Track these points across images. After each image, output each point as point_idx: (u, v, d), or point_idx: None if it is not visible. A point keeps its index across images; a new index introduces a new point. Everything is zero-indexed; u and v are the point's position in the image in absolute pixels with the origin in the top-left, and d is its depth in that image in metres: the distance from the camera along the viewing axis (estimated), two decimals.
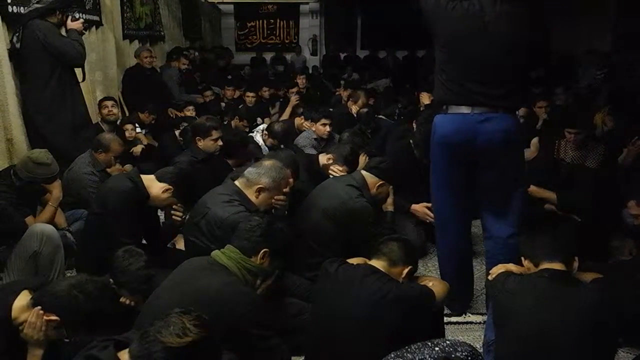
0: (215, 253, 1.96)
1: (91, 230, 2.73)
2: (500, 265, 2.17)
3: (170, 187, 2.63)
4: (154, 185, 2.64)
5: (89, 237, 2.74)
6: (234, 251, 1.93)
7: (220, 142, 3.67)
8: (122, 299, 2.16)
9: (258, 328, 1.84)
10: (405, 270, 2.02)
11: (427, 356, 1.18)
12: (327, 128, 4.28)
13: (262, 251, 1.94)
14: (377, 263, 2.00)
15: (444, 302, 2.57)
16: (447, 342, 1.23)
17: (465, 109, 2.41)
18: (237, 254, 1.92)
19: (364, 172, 2.84)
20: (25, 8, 3.55)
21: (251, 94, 6.46)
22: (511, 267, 2.11)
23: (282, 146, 3.98)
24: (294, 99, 5.95)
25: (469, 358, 1.18)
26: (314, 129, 4.38)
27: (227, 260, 1.91)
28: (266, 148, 4.23)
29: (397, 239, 2.13)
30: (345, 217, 2.65)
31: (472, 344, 1.50)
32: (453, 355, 1.17)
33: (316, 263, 2.54)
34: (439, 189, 2.61)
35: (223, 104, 6.43)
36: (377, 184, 2.79)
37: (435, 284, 2.09)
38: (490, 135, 2.38)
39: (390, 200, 3.01)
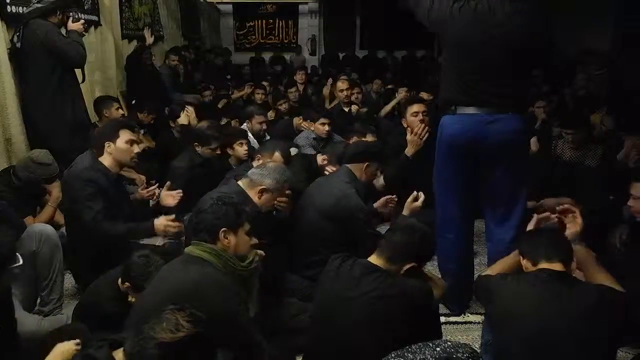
0: (189, 248, 1.91)
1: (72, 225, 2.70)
2: None
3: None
4: (109, 150, 2.64)
5: (71, 233, 2.72)
6: (200, 244, 1.88)
7: (218, 152, 3.68)
8: (130, 298, 2.15)
9: (239, 320, 1.79)
10: (406, 267, 1.99)
11: (429, 356, 1.18)
12: (326, 127, 4.28)
13: (221, 232, 1.87)
14: (378, 260, 1.97)
15: (444, 303, 2.57)
16: (449, 342, 1.23)
17: (473, 110, 2.40)
18: (205, 245, 1.87)
19: (346, 166, 2.85)
20: (25, 8, 3.54)
21: (261, 91, 6.33)
22: None
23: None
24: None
25: (470, 359, 1.18)
26: (312, 128, 4.38)
27: (201, 252, 1.86)
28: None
29: (401, 229, 2.05)
30: (340, 214, 2.66)
31: (470, 344, 1.51)
32: (454, 356, 1.18)
33: (315, 262, 2.56)
34: (444, 189, 2.61)
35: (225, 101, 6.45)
36: (363, 168, 2.80)
37: (433, 282, 2.08)
38: (498, 136, 2.38)
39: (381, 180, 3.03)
